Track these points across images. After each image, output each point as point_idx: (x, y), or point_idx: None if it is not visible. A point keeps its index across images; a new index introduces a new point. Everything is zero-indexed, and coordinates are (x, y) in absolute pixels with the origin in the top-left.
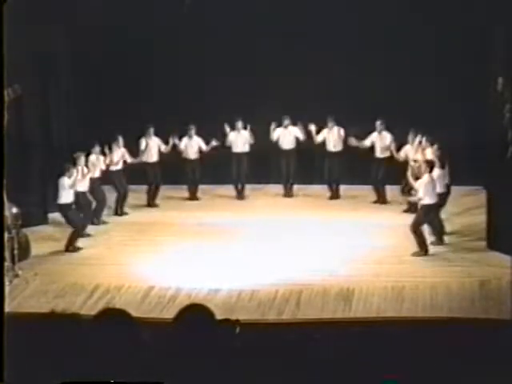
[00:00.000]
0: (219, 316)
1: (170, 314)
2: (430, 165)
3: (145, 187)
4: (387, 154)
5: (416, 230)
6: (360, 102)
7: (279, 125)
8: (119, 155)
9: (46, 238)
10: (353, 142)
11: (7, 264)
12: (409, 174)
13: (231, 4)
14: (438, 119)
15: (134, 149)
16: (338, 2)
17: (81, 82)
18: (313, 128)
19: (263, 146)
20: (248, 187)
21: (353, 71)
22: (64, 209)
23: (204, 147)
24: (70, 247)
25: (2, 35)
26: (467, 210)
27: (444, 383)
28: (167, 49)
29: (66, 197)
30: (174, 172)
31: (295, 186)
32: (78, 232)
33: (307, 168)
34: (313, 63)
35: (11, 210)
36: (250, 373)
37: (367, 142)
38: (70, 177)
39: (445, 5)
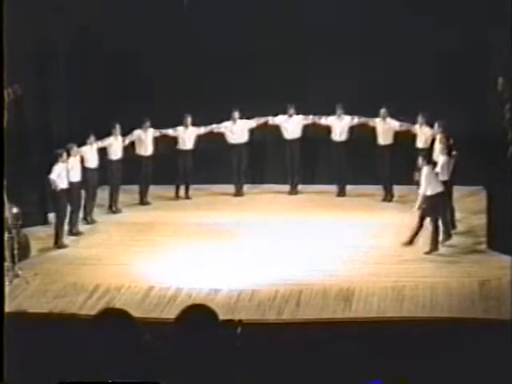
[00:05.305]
0: (219, 316)
1: (170, 313)
2: (427, 158)
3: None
4: (389, 141)
5: (435, 221)
6: (356, 106)
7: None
8: (119, 144)
9: (46, 238)
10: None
11: (7, 264)
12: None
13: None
14: (438, 119)
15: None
16: None
17: (81, 82)
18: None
19: (264, 140)
20: (250, 185)
21: (352, 71)
22: (56, 196)
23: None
24: (59, 241)
25: (1, 35)
26: (467, 210)
27: (444, 383)
28: (166, 45)
29: (61, 182)
30: (168, 171)
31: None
32: (61, 222)
33: (313, 162)
34: (314, 54)
35: (11, 210)
36: (250, 372)
37: (371, 123)
38: (63, 162)
39: (445, 5)
